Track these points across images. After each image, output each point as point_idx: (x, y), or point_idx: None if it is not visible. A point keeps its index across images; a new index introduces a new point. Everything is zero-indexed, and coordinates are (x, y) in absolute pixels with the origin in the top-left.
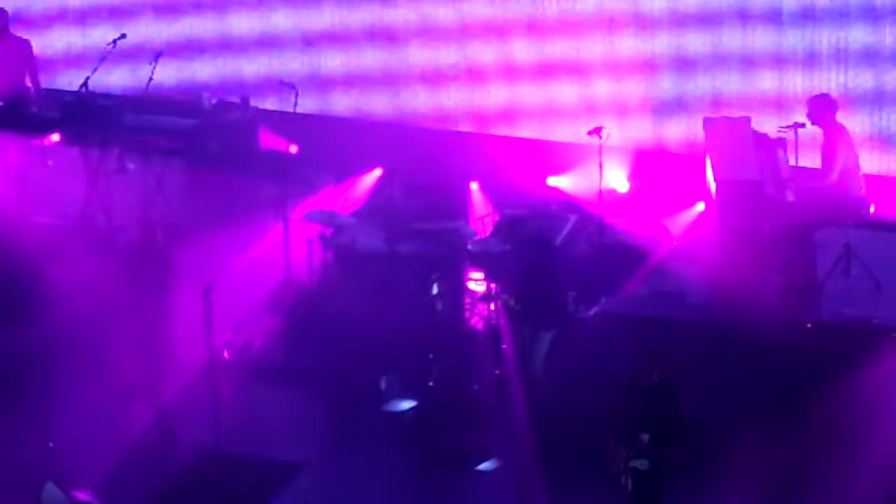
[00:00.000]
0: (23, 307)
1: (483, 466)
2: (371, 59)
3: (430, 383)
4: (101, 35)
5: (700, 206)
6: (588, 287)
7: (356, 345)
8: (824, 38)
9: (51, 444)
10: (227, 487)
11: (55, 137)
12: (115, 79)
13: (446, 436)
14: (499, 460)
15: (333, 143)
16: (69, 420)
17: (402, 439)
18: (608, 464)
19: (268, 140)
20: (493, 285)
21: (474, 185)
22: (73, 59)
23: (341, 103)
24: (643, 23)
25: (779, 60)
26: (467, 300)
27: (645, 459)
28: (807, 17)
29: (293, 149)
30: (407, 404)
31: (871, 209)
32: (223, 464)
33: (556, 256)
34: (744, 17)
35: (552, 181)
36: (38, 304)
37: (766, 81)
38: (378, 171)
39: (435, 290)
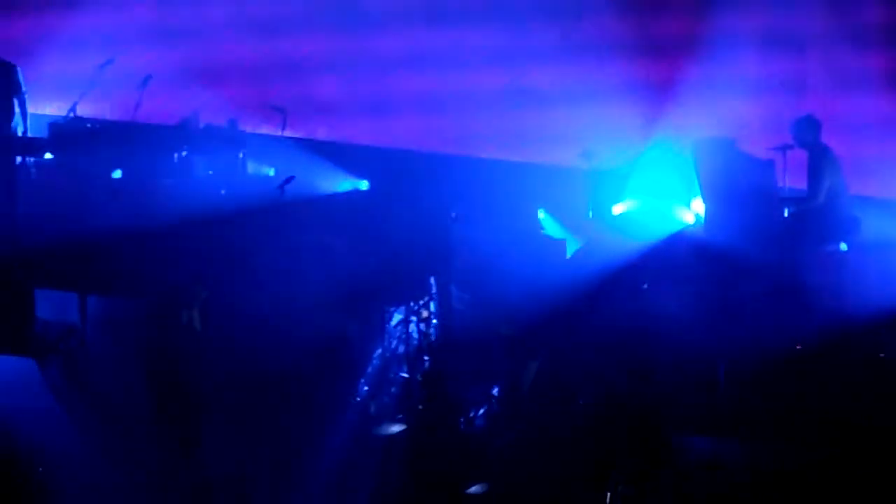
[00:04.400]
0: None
1: (473, 490)
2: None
3: (420, 406)
4: (89, 60)
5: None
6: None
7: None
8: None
9: (40, 468)
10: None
11: (48, 156)
12: (104, 103)
13: (436, 459)
14: (488, 484)
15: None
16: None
17: (391, 463)
18: (596, 490)
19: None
20: None
21: None
22: (62, 84)
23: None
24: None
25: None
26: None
27: (632, 485)
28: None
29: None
30: (396, 428)
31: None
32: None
33: (546, 280)
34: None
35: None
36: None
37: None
38: (365, 183)
39: (424, 313)
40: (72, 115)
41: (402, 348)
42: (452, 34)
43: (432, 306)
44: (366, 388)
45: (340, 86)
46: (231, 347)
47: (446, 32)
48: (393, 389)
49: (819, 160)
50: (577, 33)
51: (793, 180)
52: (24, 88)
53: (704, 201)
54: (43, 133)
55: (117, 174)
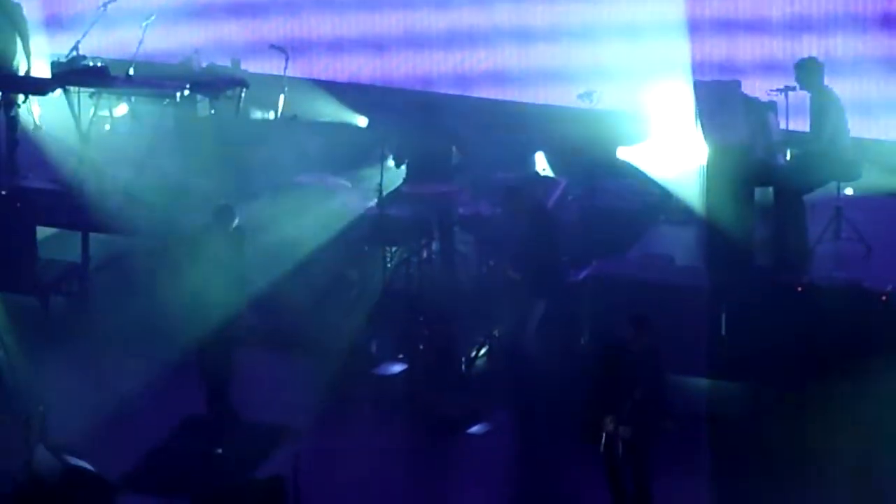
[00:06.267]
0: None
1: (473, 430)
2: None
3: (421, 347)
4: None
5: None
6: (579, 250)
7: (347, 308)
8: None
9: (41, 407)
10: (220, 451)
11: (55, 94)
12: (106, 42)
13: (436, 400)
14: (488, 424)
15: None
16: (65, 383)
17: (392, 403)
18: (591, 431)
19: None
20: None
21: None
22: (65, 23)
23: (332, 67)
24: None
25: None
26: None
27: (628, 427)
28: None
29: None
30: (397, 368)
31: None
32: (214, 428)
33: (551, 222)
34: None
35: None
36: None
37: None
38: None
39: (425, 253)
40: (74, 53)
41: (403, 288)
42: None
43: (434, 247)
44: (367, 327)
45: (340, 25)
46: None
47: None
48: (394, 329)
49: (822, 102)
50: None
51: (795, 122)
52: (26, 27)
53: (706, 144)
54: (45, 72)
55: (122, 112)
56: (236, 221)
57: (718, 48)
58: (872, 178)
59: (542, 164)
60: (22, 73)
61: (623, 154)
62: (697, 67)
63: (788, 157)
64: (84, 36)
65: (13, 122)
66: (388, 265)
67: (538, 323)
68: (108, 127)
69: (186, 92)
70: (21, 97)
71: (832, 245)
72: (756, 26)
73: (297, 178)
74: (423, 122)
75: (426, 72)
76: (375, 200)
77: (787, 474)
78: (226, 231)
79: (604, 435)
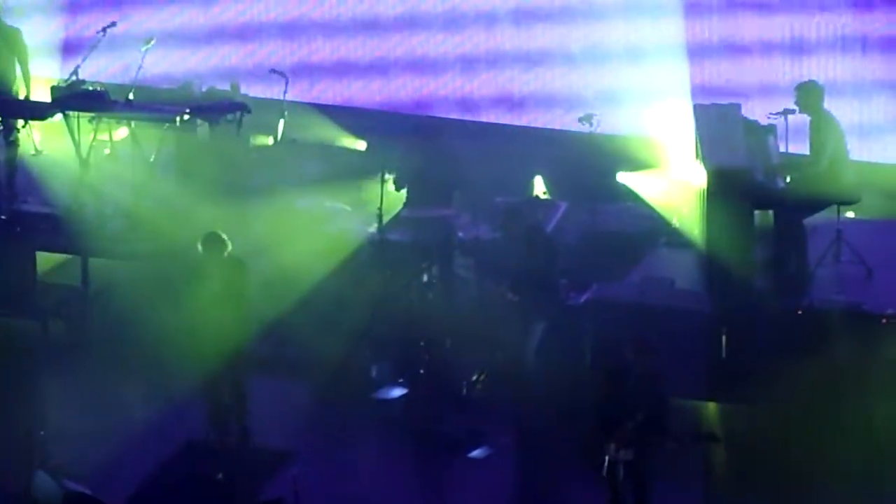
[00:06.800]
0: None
1: (474, 454)
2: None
3: (421, 371)
4: (91, 23)
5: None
6: (579, 274)
7: (347, 333)
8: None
9: (42, 433)
10: (218, 476)
11: (55, 118)
12: (106, 67)
13: (437, 423)
14: (489, 448)
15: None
16: (64, 409)
17: (393, 427)
18: (593, 454)
19: None
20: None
21: None
22: (64, 48)
23: (332, 91)
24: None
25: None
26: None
27: (630, 449)
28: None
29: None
30: (397, 392)
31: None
32: (214, 452)
33: (551, 245)
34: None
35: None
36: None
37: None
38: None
39: (425, 278)
40: (74, 78)
41: (404, 312)
42: None
43: (434, 270)
44: (367, 352)
45: (339, 49)
46: None
47: None
48: (394, 353)
49: (822, 125)
50: None
51: (794, 146)
52: (26, 51)
53: (706, 167)
54: (45, 96)
55: (122, 137)
56: (229, 247)
57: (718, 71)
58: (873, 202)
59: (541, 188)
60: (21, 97)
61: (623, 178)
62: (698, 91)
63: (788, 181)
64: (84, 60)
65: (13, 147)
66: (389, 289)
67: (537, 345)
68: (107, 151)
69: (186, 116)
70: (21, 122)
71: (832, 268)
72: (756, 49)
73: (297, 203)
74: (422, 146)
75: (426, 95)
76: (375, 224)
77: (788, 496)
78: (219, 258)
79: (605, 458)
